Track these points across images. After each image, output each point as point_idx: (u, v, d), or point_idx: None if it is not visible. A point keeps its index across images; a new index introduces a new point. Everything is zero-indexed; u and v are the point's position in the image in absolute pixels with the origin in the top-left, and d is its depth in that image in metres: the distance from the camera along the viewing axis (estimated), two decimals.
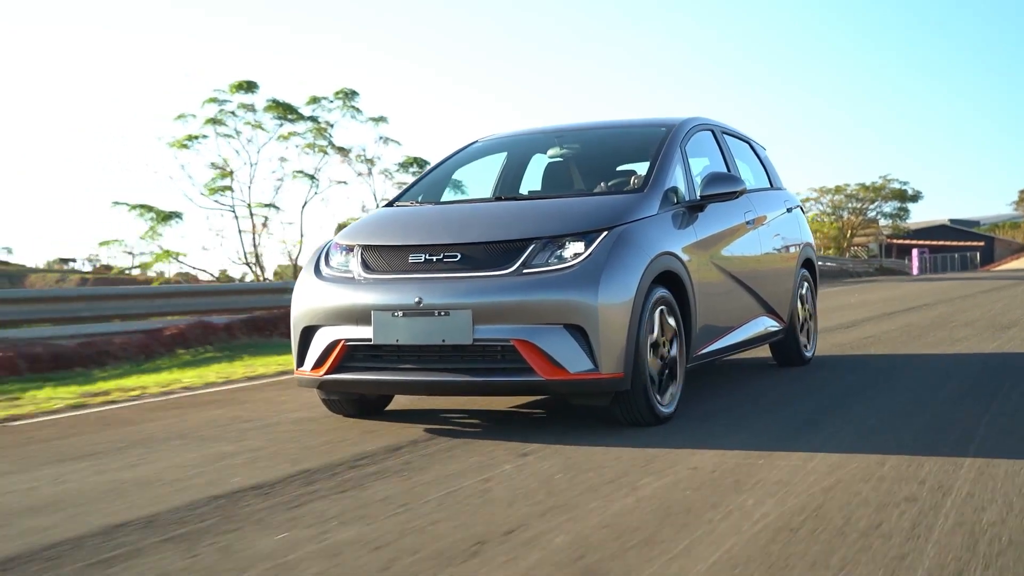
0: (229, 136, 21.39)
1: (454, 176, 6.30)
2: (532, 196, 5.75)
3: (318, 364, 4.88)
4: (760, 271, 6.24)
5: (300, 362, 5.00)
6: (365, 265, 4.93)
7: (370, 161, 23.62)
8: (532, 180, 6.40)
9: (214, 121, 21.09)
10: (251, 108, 21.58)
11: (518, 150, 6.53)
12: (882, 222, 65.17)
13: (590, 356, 4.43)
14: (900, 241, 68.86)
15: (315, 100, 22.49)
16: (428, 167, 6.26)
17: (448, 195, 6.15)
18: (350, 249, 5.07)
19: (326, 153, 22.75)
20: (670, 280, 4.98)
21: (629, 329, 4.54)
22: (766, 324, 6.32)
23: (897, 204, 63.39)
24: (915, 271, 55.20)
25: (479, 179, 6.57)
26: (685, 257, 5.11)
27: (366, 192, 33.13)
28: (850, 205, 62.87)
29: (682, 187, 5.44)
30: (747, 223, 6.08)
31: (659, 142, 5.60)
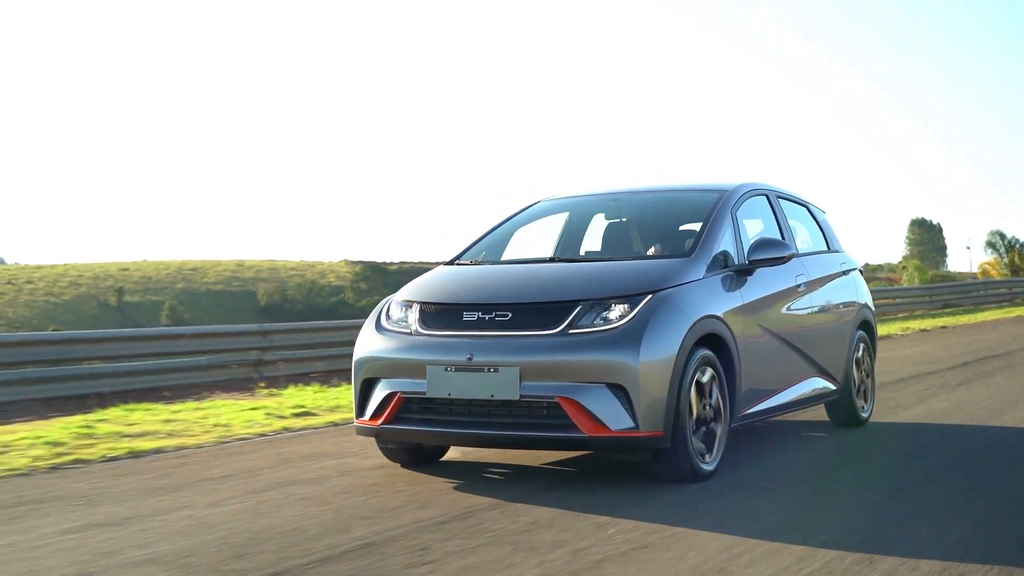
0: None
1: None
2: (584, 258, 6.02)
3: (376, 414, 5.15)
4: (811, 333, 6.33)
5: (360, 412, 5.27)
6: (423, 321, 5.21)
7: None
8: (592, 240, 6.65)
9: None
10: None
11: (579, 211, 6.78)
12: None
13: (631, 414, 4.65)
14: None
15: None
16: (490, 227, 6.52)
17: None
18: (409, 305, 5.36)
19: None
20: (714, 342, 5.15)
21: (670, 389, 4.74)
22: (818, 385, 6.39)
23: None
24: None
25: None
26: (730, 320, 5.28)
27: None
28: None
29: (732, 251, 5.63)
30: (798, 286, 6.20)
31: (710, 208, 5.80)
